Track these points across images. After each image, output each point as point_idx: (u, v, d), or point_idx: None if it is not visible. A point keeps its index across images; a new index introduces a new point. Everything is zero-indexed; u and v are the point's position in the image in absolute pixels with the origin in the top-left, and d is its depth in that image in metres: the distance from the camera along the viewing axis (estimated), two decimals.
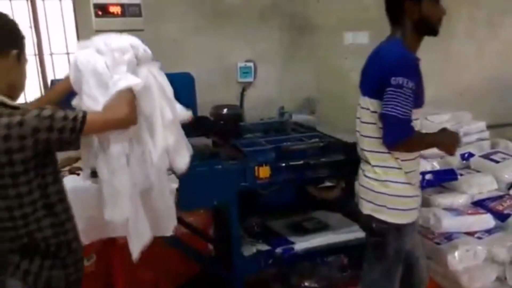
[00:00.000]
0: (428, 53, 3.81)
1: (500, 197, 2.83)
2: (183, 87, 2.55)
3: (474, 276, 2.40)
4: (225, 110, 2.69)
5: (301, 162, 2.31)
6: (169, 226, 2.00)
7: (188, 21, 3.33)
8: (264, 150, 2.31)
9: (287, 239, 2.46)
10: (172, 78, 2.58)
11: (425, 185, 2.10)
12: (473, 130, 3.64)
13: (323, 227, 2.59)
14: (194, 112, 2.59)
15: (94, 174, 1.95)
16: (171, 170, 2.04)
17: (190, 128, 2.35)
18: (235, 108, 2.86)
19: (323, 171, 2.38)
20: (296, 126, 2.86)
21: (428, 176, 2.05)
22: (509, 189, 2.90)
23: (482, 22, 4.06)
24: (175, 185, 2.03)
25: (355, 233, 2.53)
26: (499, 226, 2.62)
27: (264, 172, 2.24)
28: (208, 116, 2.44)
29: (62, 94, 1.59)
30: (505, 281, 2.39)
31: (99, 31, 2.43)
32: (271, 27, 3.58)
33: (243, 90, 3.51)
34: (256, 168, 2.22)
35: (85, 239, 1.77)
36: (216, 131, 2.50)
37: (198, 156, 2.24)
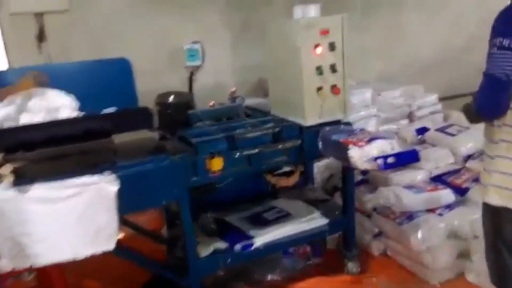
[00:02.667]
0: (377, 27, 3.76)
1: (458, 171, 2.82)
2: (118, 75, 2.31)
3: (438, 255, 2.37)
4: (171, 98, 2.46)
5: (256, 150, 2.16)
6: (111, 238, 1.78)
7: (121, 0, 3.01)
8: (215, 140, 2.13)
9: (246, 234, 2.30)
10: (104, 65, 2.34)
11: (384, 168, 1.99)
12: (426, 104, 3.62)
13: (284, 217, 2.46)
14: (134, 102, 2.35)
15: (18, 181, 1.69)
16: (111, 170, 1.82)
17: (129, 122, 2.12)
18: (183, 95, 2.65)
19: (279, 157, 2.25)
20: (250, 110, 2.69)
21: (390, 160, 1.94)
22: (465, 161, 2.89)
23: None
24: (115, 187, 1.78)
25: (316, 221, 2.44)
26: (459, 201, 2.59)
27: (216, 164, 2.06)
28: (148, 107, 2.19)
29: None
30: (468, 256, 2.37)
31: (15, 14, 2.14)
32: (217, 4, 3.34)
33: (191, 74, 3.29)
34: (207, 160, 2.04)
35: (10, 264, 1.55)
36: (161, 122, 2.27)
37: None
